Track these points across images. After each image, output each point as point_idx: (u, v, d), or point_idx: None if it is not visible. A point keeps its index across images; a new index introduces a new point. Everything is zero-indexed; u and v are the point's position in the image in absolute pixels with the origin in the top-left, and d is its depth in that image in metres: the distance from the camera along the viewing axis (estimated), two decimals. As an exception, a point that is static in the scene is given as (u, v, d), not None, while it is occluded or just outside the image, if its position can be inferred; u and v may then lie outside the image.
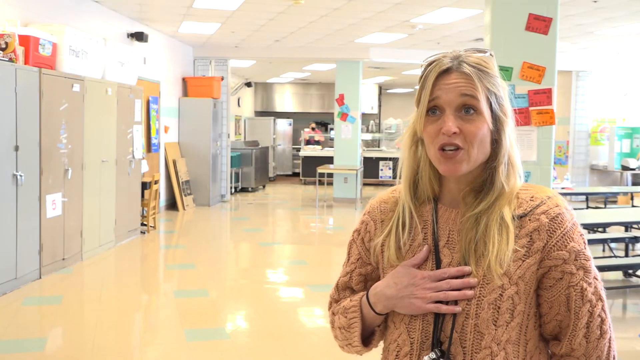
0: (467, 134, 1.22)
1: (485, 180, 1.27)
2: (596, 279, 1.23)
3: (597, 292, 1.23)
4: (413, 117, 1.31)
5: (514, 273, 1.21)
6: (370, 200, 1.45)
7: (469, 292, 1.21)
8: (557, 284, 1.22)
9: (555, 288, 1.22)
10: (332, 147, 13.95)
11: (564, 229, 1.22)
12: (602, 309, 1.23)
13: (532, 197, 1.26)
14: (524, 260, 1.22)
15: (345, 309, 1.38)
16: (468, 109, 1.23)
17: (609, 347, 1.24)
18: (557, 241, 1.22)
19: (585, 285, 1.21)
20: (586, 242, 1.25)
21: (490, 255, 1.20)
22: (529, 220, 1.23)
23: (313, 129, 18.62)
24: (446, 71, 1.24)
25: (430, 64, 1.27)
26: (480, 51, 1.28)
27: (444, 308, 1.22)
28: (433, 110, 1.25)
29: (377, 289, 1.32)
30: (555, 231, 1.22)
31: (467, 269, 1.23)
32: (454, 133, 1.21)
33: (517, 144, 1.30)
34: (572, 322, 1.22)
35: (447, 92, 1.23)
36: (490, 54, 1.29)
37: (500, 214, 1.23)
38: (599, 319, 1.22)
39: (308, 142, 17.98)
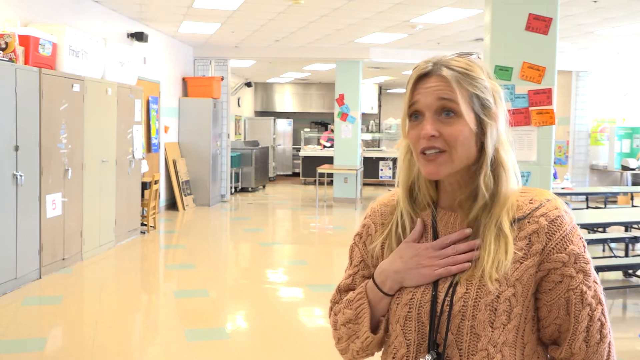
0: (447, 137, 1.21)
1: (478, 185, 1.26)
2: (596, 282, 1.23)
3: (596, 295, 1.22)
4: None
5: (512, 275, 1.20)
6: (371, 204, 1.45)
7: (475, 253, 1.22)
8: (557, 287, 1.21)
9: (555, 291, 1.22)
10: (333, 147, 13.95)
11: (564, 231, 1.22)
12: (602, 312, 1.22)
13: (531, 200, 1.26)
14: (521, 263, 1.21)
15: (350, 301, 1.35)
16: (448, 112, 1.22)
17: (609, 351, 1.23)
18: (557, 244, 1.21)
19: (585, 288, 1.21)
20: (585, 245, 1.24)
21: (485, 264, 1.20)
22: (528, 222, 1.23)
23: (332, 130, 18.51)
24: (426, 75, 1.25)
25: (414, 69, 1.27)
26: (465, 54, 1.27)
27: (454, 269, 1.23)
28: (415, 115, 1.25)
29: (382, 267, 1.31)
30: (554, 234, 1.21)
31: (467, 231, 1.25)
32: (433, 136, 1.21)
33: (512, 145, 1.28)
34: (571, 326, 1.21)
35: (425, 95, 1.23)
36: (478, 57, 1.28)
37: (498, 224, 1.22)
38: (599, 323, 1.21)
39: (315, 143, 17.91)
